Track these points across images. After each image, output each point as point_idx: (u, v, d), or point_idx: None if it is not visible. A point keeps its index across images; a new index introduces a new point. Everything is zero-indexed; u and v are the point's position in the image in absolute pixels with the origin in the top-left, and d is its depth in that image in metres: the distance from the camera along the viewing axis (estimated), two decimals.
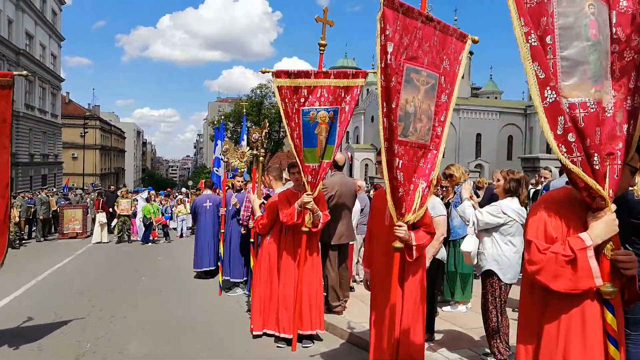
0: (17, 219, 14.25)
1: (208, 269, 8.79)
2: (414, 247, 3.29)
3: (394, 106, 3.15)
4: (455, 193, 5.53)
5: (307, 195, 4.44)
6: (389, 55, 3.09)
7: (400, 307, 3.33)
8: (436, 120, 3.46)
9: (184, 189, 29.51)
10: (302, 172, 4.48)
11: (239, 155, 7.30)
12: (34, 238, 16.02)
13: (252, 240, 5.79)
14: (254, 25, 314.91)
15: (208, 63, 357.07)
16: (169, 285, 8.25)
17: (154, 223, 15.01)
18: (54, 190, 23.83)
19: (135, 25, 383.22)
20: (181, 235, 16.95)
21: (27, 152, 35.01)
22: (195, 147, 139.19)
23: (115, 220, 15.49)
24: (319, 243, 4.86)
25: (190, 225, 17.94)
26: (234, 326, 5.67)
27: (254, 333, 4.97)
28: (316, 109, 4.43)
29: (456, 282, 5.56)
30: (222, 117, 13.48)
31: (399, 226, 3.19)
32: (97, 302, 6.90)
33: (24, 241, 14.91)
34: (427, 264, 4.18)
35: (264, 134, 5.27)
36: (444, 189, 6.01)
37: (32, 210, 15.85)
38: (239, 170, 7.31)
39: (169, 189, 33.19)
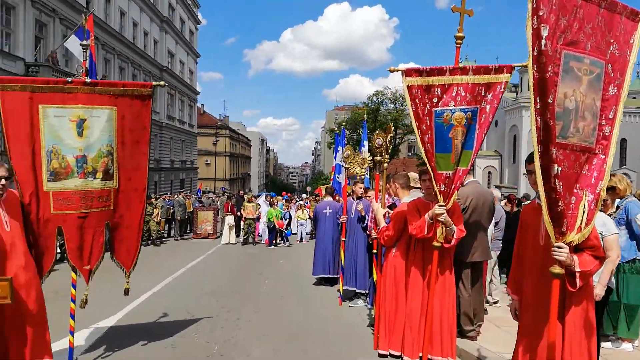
0: (158, 218, 15.80)
1: (327, 276, 8.70)
2: (578, 275, 2.70)
3: (550, 101, 2.66)
4: (618, 207, 4.64)
5: (440, 206, 3.99)
6: (543, 41, 2.61)
7: (560, 347, 2.75)
8: (603, 117, 2.87)
9: (304, 195, 30.37)
10: (434, 180, 4.05)
11: (359, 161, 7.06)
12: (172, 237, 17.68)
13: (375, 251, 5.48)
14: (370, 33, 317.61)
15: (326, 73, 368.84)
16: (289, 289, 8.32)
17: (277, 227, 15.54)
18: (189, 193, 26.16)
19: (260, 40, 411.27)
20: (301, 240, 17.34)
21: (168, 159, 39.04)
22: (313, 154, 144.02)
23: (242, 223, 16.37)
24: (452, 260, 4.36)
25: (309, 231, 18.32)
26: (354, 339, 5.41)
27: (380, 352, 4.64)
28: (451, 110, 3.97)
29: (620, 315, 4.64)
30: (343, 123, 13.46)
31: (559, 247, 2.65)
32: (225, 303, 7.15)
33: (164, 239, 16.49)
34: (602, 292, 3.49)
35: (388, 138, 4.93)
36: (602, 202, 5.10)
37: (171, 211, 17.49)
38: (359, 177, 7.06)
39: (289, 194, 34.49)
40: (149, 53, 34.71)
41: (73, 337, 4.34)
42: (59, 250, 4.55)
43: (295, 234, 17.99)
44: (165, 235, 17.36)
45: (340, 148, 10.99)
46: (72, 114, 4.47)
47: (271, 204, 17.05)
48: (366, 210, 6.59)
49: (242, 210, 16.15)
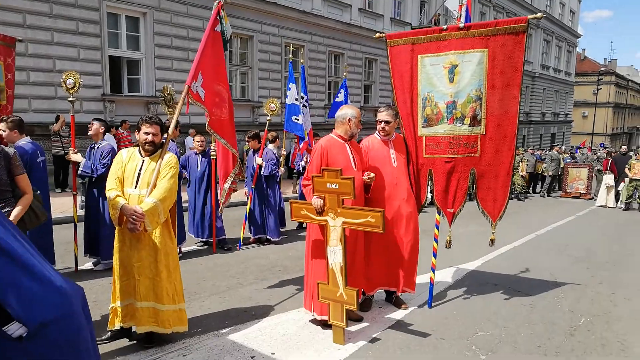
0: (525, 172, 15.13)
1: None
2: None
3: None
4: None
5: None
6: None
7: None
8: None
9: None
10: None
11: None
12: (538, 193, 16.63)
13: None
14: None
15: None
16: None
17: None
18: (564, 148, 23.83)
19: None
20: None
21: (539, 111, 36.64)
22: None
23: (622, 185, 13.74)
24: None
25: None
26: None
27: None
28: None
29: None
30: None
31: None
32: (596, 272, 6.20)
33: (528, 194, 15.74)
34: None
35: None
36: None
37: (542, 166, 16.36)
38: None
39: None
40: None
41: (434, 273, 4.66)
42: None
43: None
44: (531, 191, 16.49)
45: None
46: (445, 61, 4.60)
47: None
48: None
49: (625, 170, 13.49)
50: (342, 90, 10.08)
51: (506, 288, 5.29)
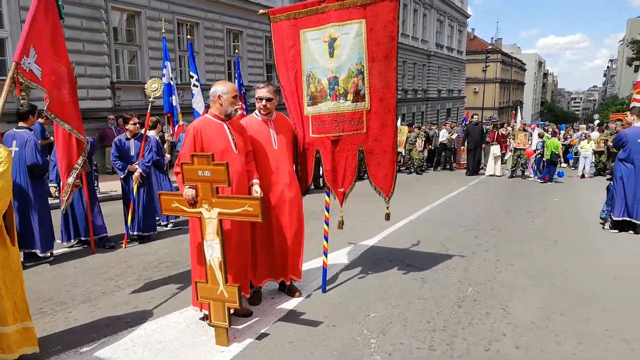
0: (422, 147, 15.72)
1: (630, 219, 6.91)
2: None
3: None
4: None
5: None
6: None
7: None
8: None
9: (593, 124, 25.26)
10: None
11: None
12: (432, 167, 17.39)
13: None
14: None
15: None
16: (565, 234, 6.95)
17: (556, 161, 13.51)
18: (455, 122, 25.26)
19: None
20: (582, 176, 14.68)
21: (435, 88, 38.60)
22: (604, 76, 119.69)
23: (508, 154, 14.86)
24: None
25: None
26: None
27: None
28: None
29: None
30: None
31: None
32: (483, 239, 6.50)
33: (425, 168, 16.42)
34: None
35: None
36: None
37: (436, 140, 17.14)
38: None
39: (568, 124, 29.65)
40: None
41: (326, 257, 4.50)
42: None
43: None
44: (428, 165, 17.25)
45: None
46: (325, 35, 4.38)
47: (553, 134, 14.86)
48: None
49: (509, 141, 14.58)
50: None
51: (401, 263, 5.30)
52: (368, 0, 4.18)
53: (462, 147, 16.19)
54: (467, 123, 18.25)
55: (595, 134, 15.77)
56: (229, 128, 3.78)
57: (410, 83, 33.87)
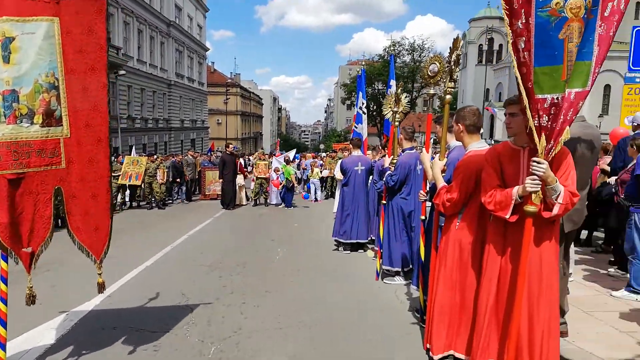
0: (164, 179, 14.50)
1: (355, 241, 7.47)
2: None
3: None
4: None
5: (537, 164, 2.56)
6: None
7: None
8: None
9: (323, 154, 28.49)
10: (529, 111, 2.60)
11: (391, 102, 5.60)
12: (179, 199, 16.34)
13: (422, 217, 4.12)
14: None
15: (339, 27, 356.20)
16: (307, 261, 7.04)
17: (295, 186, 14.35)
18: (200, 152, 24.90)
19: None
20: (315, 200, 16.08)
21: (178, 118, 37.65)
22: (325, 112, 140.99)
23: (252, 184, 15.11)
24: (557, 237, 2.92)
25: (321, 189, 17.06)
26: (395, 331, 4.15)
27: (435, 357, 3.34)
28: None
29: None
30: (363, 63, 11.76)
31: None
32: (227, 279, 5.94)
33: (170, 201, 15.29)
34: None
35: (454, 57, 3.39)
36: None
37: (180, 171, 16.14)
38: (394, 123, 5.60)
39: (303, 153, 33.04)
40: (154, 6, 32.68)
41: (5, 352, 3.10)
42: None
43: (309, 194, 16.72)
44: (172, 198, 16.11)
45: (360, 93, 9.48)
46: None
47: (287, 162, 15.75)
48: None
49: (254, 170, 14.87)
50: None
51: (129, 330, 4.21)
52: None
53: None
54: (222, 152, 17.65)
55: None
56: None
57: (151, 112, 32.10)
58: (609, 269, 5.82)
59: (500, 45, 54.50)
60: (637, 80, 7.72)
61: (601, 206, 6.41)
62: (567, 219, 3.41)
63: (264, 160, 15.11)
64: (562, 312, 3.59)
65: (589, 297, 4.85)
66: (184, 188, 16.19)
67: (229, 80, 59.74)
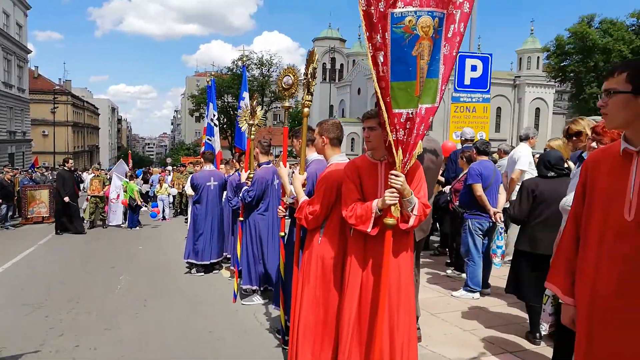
0: None
1: (209, 262, 7.01)
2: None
3: None
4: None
5: (395, 177, 2.59)
6: None
7: None
8: None
9: (169, 167, 26.71)
10: (388, 125, 2.62)
11: (246, 114, 5.42)
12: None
13: (282, 234, 3.95)
14: None
15: (185, 37, 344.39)
16: (156, 289, 6.33)
17: (140, 204, 13.09)
18: (20, 169, 21.41)
19: None
20: (163, 218, 14.99)
21: None
22: (172, 124, 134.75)
23: (85, 203, 13.42)
24: (412, 247, 2.99)
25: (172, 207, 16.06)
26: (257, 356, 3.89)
27: None
28: (415, 12, 2.54)
29: None
30: (211, 74, 11.31)
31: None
32: (56, 319, 5.00)
33: None
34: None
35: (311, 69, 3.31)
36: None
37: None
38: (250, 136, 5.39)
39: (146, 167, 30.76)
40: None
41: None
42: None
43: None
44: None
45: (211, 104, 9.09)
46: None
47: (130, 177, 14.37)
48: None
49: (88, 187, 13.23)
50: None
51: None
52: None
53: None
54: (60, 168, 15.08)
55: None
56: None
57: None
58: (447, 271, 6.40)
59: (342, 65, 58.57)
60: (462, 99, 8.82)
61: (437, 212, 7.06)
62: (418, 228, 3.56)
63: (98, 176, 13.54)
64: (416, 318, 3.75)
65: (433, 298, 5.23)
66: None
67: (57, 87, 53.08)
